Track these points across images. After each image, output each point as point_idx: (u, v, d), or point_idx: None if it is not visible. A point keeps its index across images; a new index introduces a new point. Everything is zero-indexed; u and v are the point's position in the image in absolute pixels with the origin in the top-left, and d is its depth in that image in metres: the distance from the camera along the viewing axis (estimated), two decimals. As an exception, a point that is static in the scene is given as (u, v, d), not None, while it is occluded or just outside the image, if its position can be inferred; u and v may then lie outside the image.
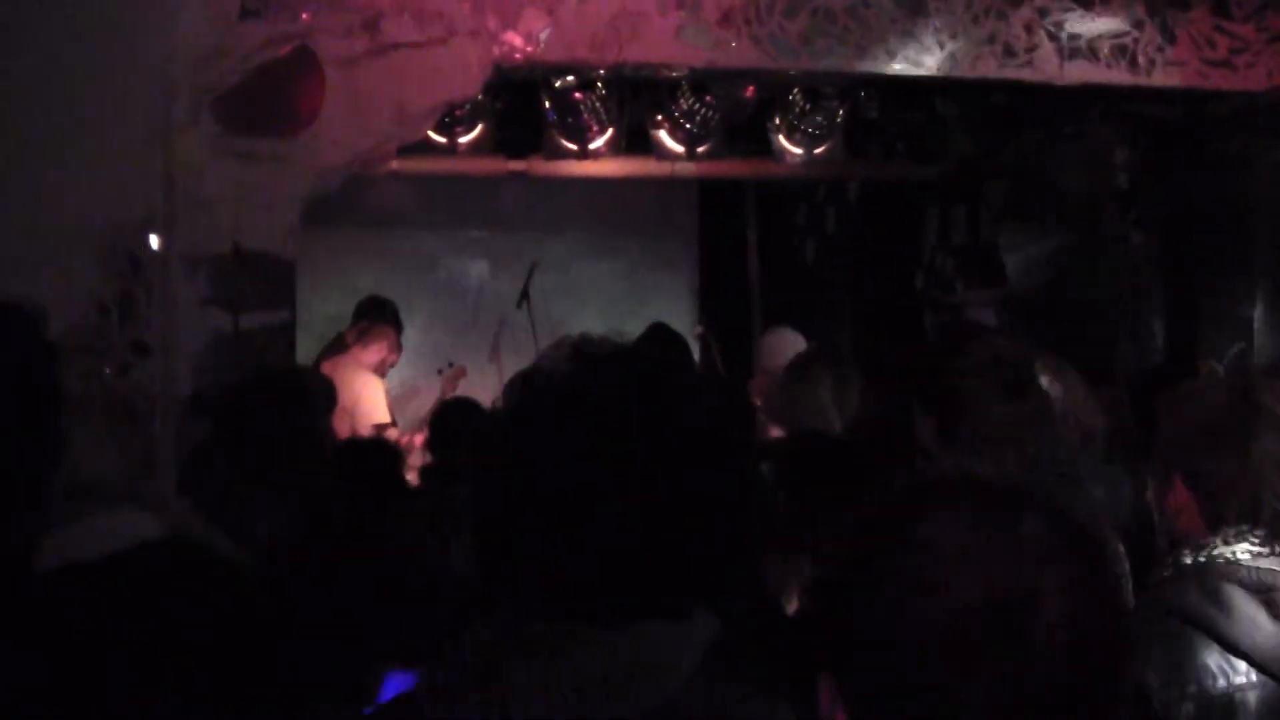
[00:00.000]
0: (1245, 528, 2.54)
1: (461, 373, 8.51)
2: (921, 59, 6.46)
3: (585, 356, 1.68)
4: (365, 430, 7.24)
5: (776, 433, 5.57)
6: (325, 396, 5.14)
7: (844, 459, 3.76)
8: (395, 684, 2.66)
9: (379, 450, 5.14)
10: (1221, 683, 2.40)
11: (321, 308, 8.96)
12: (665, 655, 1.56)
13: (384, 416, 7.69)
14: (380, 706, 2.38)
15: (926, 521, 1.36)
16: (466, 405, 6.01)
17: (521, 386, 1.69)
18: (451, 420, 5.91)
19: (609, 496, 1.56)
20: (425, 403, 8.21)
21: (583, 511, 1.56)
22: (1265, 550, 2.52)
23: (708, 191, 11.27)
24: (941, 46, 6.47)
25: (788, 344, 6.78)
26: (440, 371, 8.54)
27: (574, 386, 1.64)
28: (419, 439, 7.41)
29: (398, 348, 8.04)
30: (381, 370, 7.94)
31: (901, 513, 1.40)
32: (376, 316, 8.04)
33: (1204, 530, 2.59)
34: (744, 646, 1.64)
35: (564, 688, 1.52)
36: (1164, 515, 2.71)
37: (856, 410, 4.94)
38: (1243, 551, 2.53)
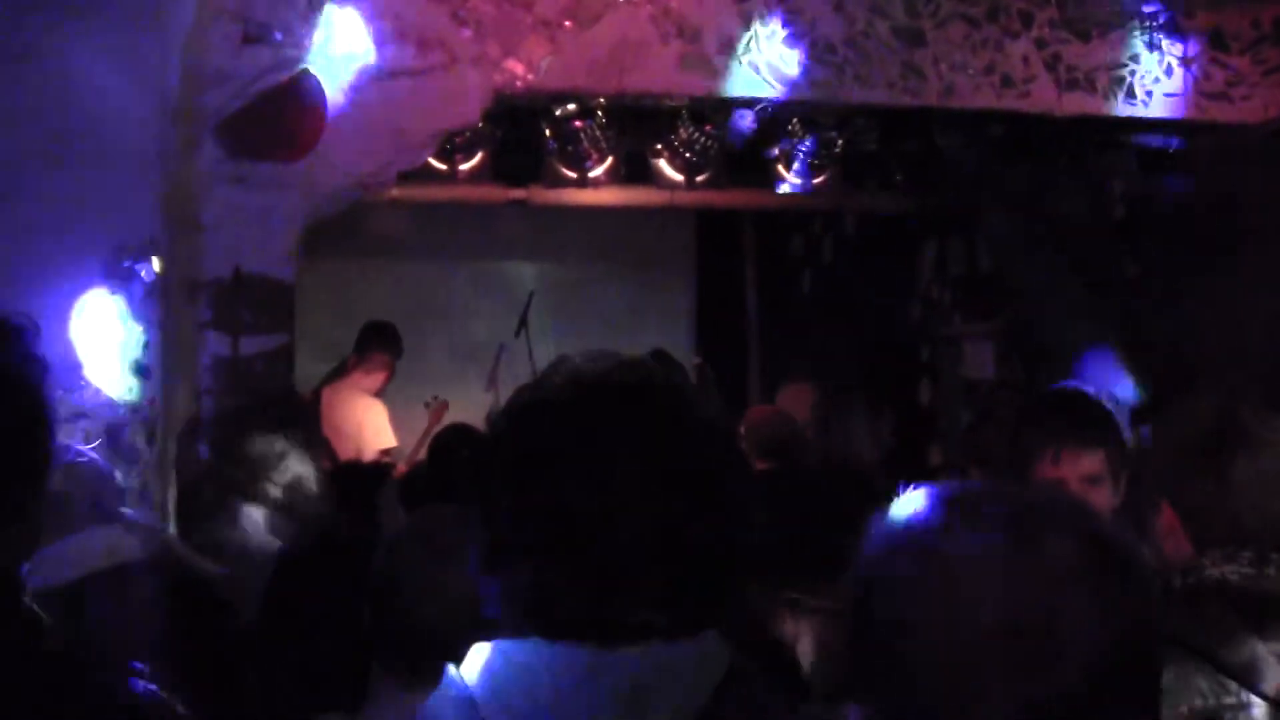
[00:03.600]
0: (1232, 549, 2.54)
1: (445, 407, 8.53)
2: (920, 90, 6.49)
3: (587, 376, 1.69)
4: (370, 455, 7.26)
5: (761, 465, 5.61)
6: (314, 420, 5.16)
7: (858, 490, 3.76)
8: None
9: (374, 473, 5.15)
10: (1212, 702, 2.40)
11: (321, 333, 8.97)
12: (683, 675, 1.56)
13: (389, 441, 7.71)
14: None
15: (949, 536, 1.34)
16: (465, 432, 6.02)
17: (524, 405, 1.70)
18: (451, 447, 5.93)
19: (614, 516, 1.56)
20: (413, 433, 8.24)
21: (590, 530, 1.56)
22: (1253, 571, 2.52)
23: (706, 221, 11.30)
24: (940, 77, 6.50)
25: (807, 397, 6.88)
26: (426, 405, 8.56)
27: (580, 405, 1.65)
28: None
29: (393, 371, 8.06)
30: (379, 394, 7.97)
31: (925, 527, 1.38)
32: (378, 342, 8.06)
33: (1192, 552, 2.60)
34: (757, 674, 1.64)
35: (585, 709, 1.52)
36: (1153, 538, 2.71)
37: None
38: (1232, 572, 2.53)
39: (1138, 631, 1.31)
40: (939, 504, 1.39)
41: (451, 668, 1.64)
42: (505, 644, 1.60)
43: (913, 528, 1.38)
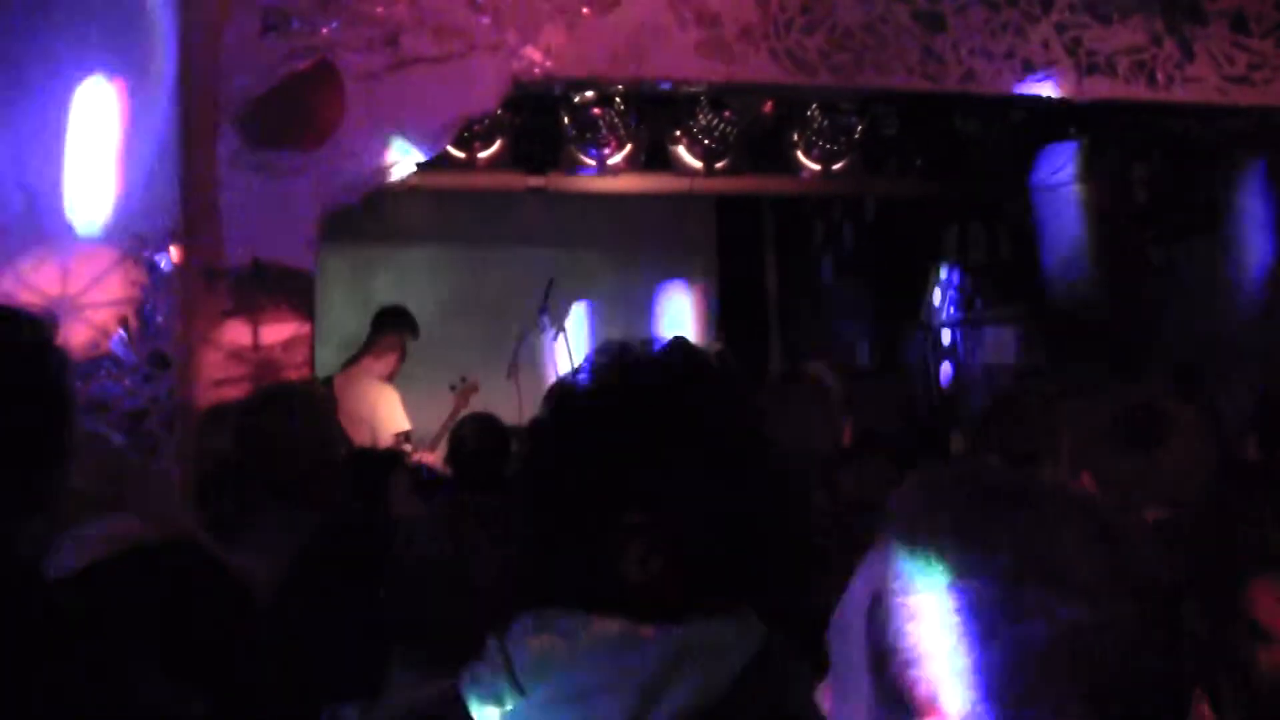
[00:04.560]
0: (1164, 506, 2.85)
1: (475, 387, 8.51)
2: (939, 75, 6.46)
3: (627, 361, 1.71)
4: (386, 439, 7.26)
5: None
6: (329, 411, 5.17)
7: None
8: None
9: (384, 459, 5.15)
10: None
11: (341, 321, 8.98)
12: (718, 653, 1.58)
13: (404, 424, 7.71)
14: (422, 701, 2.39)
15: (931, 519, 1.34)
16: (486, 420, 6.03)
17: (567, 392, 1.72)
18: (471, 434, 5.94)
19: (655, 497, 1.58)
20: (438, 418, 8.22)
21: (630, 510, 1.59)
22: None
23: (726, 207, 11.29)
24: (960, 62, 6.47)
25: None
26: (453, 387, 8.54)
27: (615, 390, 1.67)
28: (430, 457, 7.43)
29: (404, 353, 8.05)
30: (391, 378, 7.96)
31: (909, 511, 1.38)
32: (391, 326, 8.06)
33: None
34: (790, 649, 1.66)
35: (617, 684, 1.55)
36: None
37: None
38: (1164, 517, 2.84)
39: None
40: (922, 484, 1.39)
41: (493, 640, 1.67)
42: (544, 617, 1.63)
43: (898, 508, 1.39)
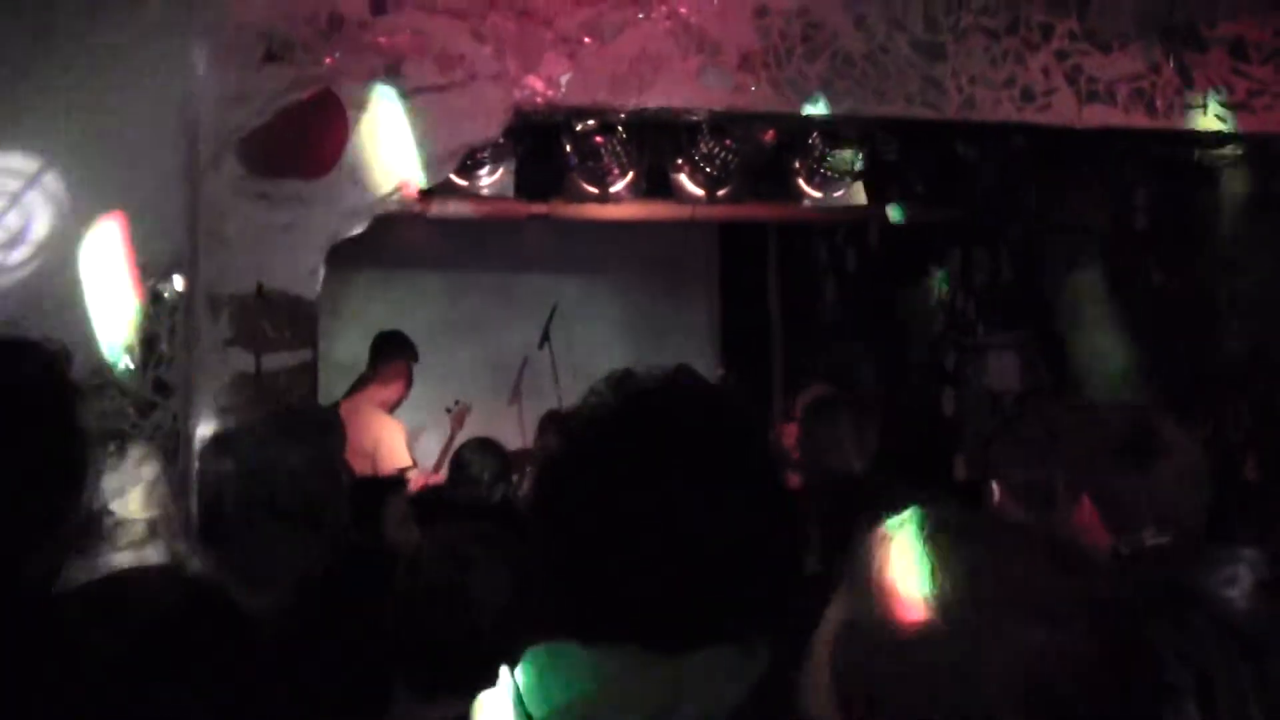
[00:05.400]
0: (1164, 528, 2.87)
1: (467, 409, 8.53)
2: (939, 103, 6.49)
3: (632, 390, 1.72)
4: (386, 473, 7.25)
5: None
6: (339, 434, 5.17)
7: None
8: None
9: (380, 487, 5.16)
10: None
11: (344, 349, 9.00)
12: (720, 683, 1.59)
13: (405, 460, 7.70)
14: None
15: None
16: (488, 444, 6.05)
17: (573, 423, 1.73)
18: (474, 458, 5.96)
19: (663, 526, 1.60)
20: (433, 442, 8.24)
21: (639, 540, 1.60)
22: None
23: (729, 233, 11.32)
24: (959, 90, 6.49)
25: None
26: (448, 410, 8.56)
27: (625, 420, 1.69)
28: (433, 479, 7.43)
29: (410, 379, 8.05)
30: (397, 406, 7.96)
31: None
32: (390, 351, 8.06)
33: (1109, 540, 2.89)
34: (792, 679, 1.67)
35: (625, 712, 1.56)
36: (1073, 528, 2.97)
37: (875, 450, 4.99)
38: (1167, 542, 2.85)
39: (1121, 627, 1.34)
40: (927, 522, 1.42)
41: (504, 668, 1.69)
42: (554, 646, 1.64)
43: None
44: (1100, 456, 2.99)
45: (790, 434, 6.94)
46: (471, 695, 2.31)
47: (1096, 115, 6.70)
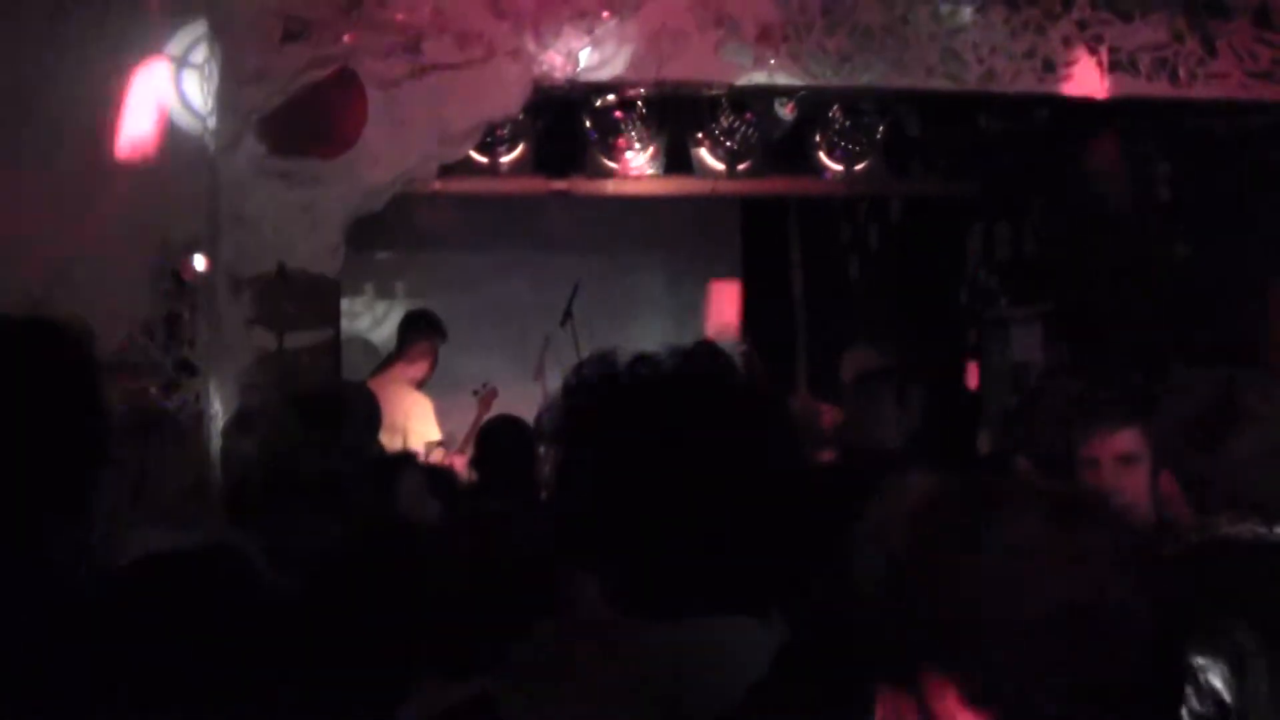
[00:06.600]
0: (1243, 512, 2.67)
1: (494, 394, 8.54)
2: (960, 75, 6.45)
3: (651, 366, 1.72)
4: (417, 448, 7.26)
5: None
6: (369, 413, 5.18)
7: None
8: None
9: (395, 463, 5.16)
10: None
11: (365, 328, 9.01)
12: (737, 653, 1.59)
13: (435, 434, 7.72)
14: (450, 706, 2.41)
15: (992, 524, 1.36)
16: (513, 423, 6.05)
17: (589, 402, 1.74)
18: (499, 438, 5.96)
19: (679, 501, 1.60)
20: (462, 422, 8.24)
21: (656, 513, 1.60)
22: (1265, 530, 2.65)
23: (750, 208, 11.27)
24: (980, 62, 6.46)
25: (870, 362, 6.85)
26: (475, 393, 8.57)
27: (641, 397, 1.69)
28: (458, 460, 7.44)
29: (436, 358, 8.06)
30: (423, 384, 7.97)
31: (964, 515, 1.39)
32: (417, 330, 8.07)
33: (1191, 516, 2.75)
34: (810, 650, 1.66)
35: (640, 683, 1.56)
36: (1157, 502, 2.89)
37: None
38: (1246, 531, 2.66)
39: (1167, 612, 1.33)
40: (977, 490, 1.41)
41: (522, 644, 1.70)
42: (571, 619, 1.64)
43: (958, 519, 1.39)
44: (1178, 426, 2.86)
45: (828, 413, 6.93)
46: (492, 673, 2.32)
47: (1118, 85, 6.65)
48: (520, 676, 1.71)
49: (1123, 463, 3.70)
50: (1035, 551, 1.31)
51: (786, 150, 8.63)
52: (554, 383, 8.97)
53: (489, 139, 7.63)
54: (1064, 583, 1.29)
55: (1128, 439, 3.73)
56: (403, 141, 6.01)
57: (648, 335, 9.91)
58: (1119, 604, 1.28)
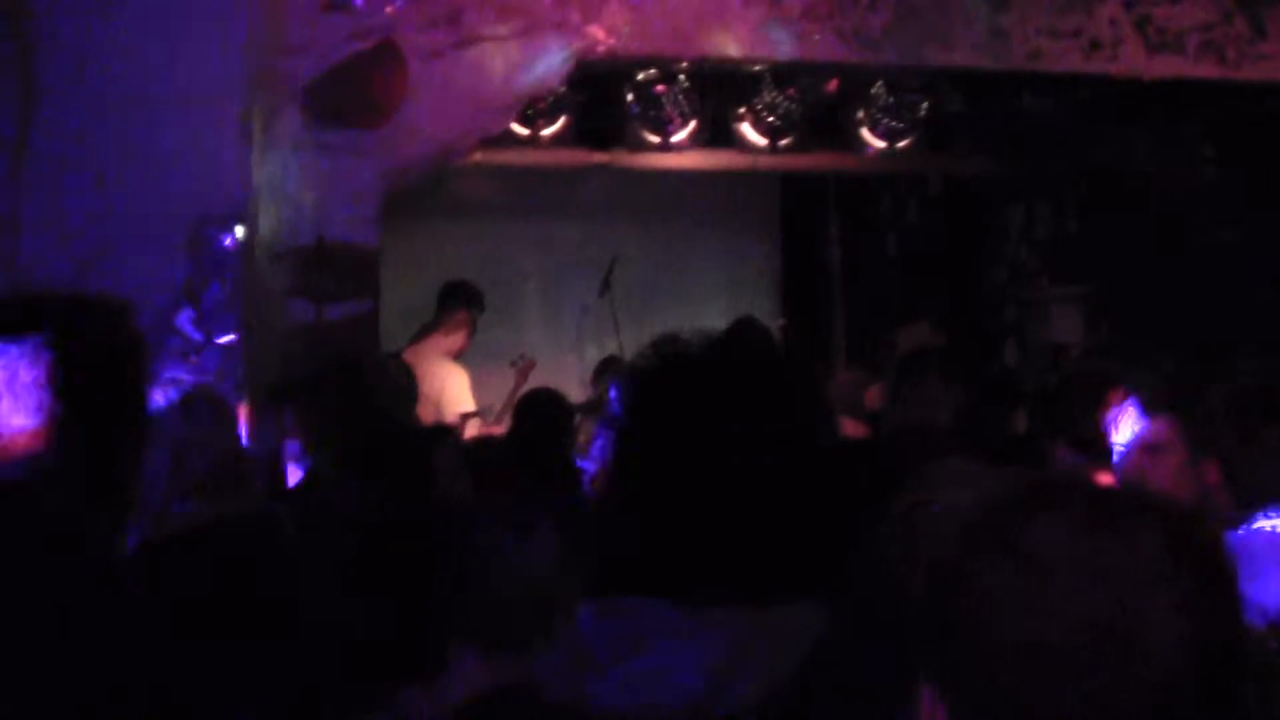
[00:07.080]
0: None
1: (532, 365, 8.55)
2: (1005, 53, 6.41)
3: (691, 344, 1.72)
4: (452, 419, 7.28)
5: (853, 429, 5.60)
6: (407, 384, 5.19)
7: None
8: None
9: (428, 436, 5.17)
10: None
11: (405, 299, 9.02)
12: (786, 637, 1.59)
13: (469, 405, 7.73)
14: (493, 690, 2.42)
15: (1034, 526, 1.30)
16: (550, 396, 6.05)
17: (634, 382, 1.74)
18: (536, 409, 5.97)
19: (725, 485, 1.60)
20: (500, 392, 8.25)
21: (701, 498, 1.60)
22: None
23: (790, 183, 11.24)
24: (1025, 40, 6.41)
25: (927, 338, 6.86)
26: (513, 364, 8.58)
27: (684, 375, 1.69)
28: (496, 430, 7.45)
29: (474, 328, 8.07)
30: (459, 354, 7.97)
31: (1007, 516, 1.36)
32: (456, 300, 8.07)
33: (1233, 506, 2.78)
34: (851, 638, 1.66)
35: (687, 669, 1.56)
36: (1200, 492, 2.92)
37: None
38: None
39: (1222, 629, 1.26)
40: (1017, 495, 1.37)
41: (563, 625, 1.70)
42: (612, 602, 1.64)
43: (992, 519, 1.36)
44: (1223, 417, 2.87)
45: (872, 393, 6.92)
46: (529, 651, 2.32)
47: (1164, 66, 6.60)
48: (562, 660, 1.70)
49: (1151, 452, 3.67)
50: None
51: (828, 126, 8.60)
52: (591, 355, 9.00)
53: (530, 111, 7.64)
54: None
55: (1158, 428, 3.70)
56: (443, 113, 6.01)
57: (685, 308, 9.91)
58: (1155, 620, 1.23)
